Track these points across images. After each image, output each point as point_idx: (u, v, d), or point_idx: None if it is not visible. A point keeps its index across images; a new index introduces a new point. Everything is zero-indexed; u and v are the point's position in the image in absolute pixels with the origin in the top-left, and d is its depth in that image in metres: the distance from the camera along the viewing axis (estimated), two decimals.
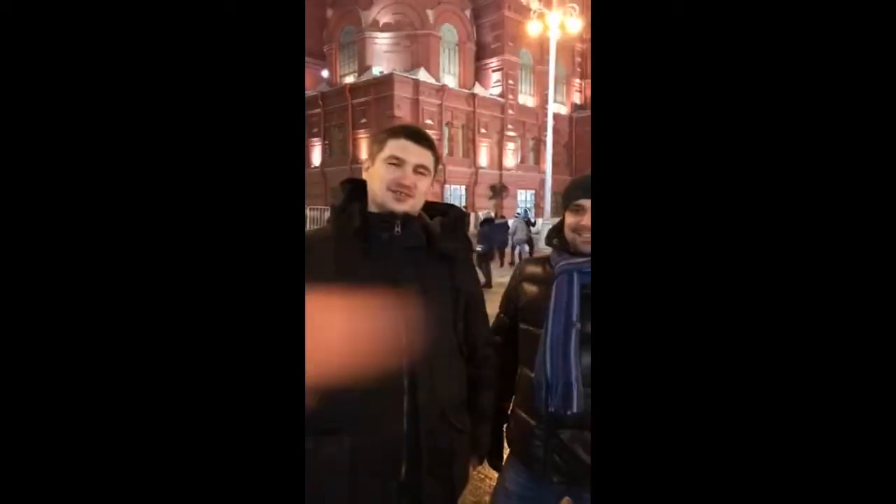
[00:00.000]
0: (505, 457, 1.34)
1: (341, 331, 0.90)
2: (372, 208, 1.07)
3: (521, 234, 11.85)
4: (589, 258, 1.12)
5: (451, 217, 1.13)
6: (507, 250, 11.99)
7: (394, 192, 1.02)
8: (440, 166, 1.16)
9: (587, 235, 1.12)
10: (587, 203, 1.12)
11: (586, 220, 1.12)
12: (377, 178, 1.05)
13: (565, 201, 1.19)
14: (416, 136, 1.07)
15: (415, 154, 1.05)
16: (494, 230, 11.28)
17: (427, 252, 1.05)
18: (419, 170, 1.05)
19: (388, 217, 1.03)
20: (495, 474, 2.42)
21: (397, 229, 1.03)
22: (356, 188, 1.09)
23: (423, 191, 1.07)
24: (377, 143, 1.07)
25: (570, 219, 1.16)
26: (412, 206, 1.05)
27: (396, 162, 1.03)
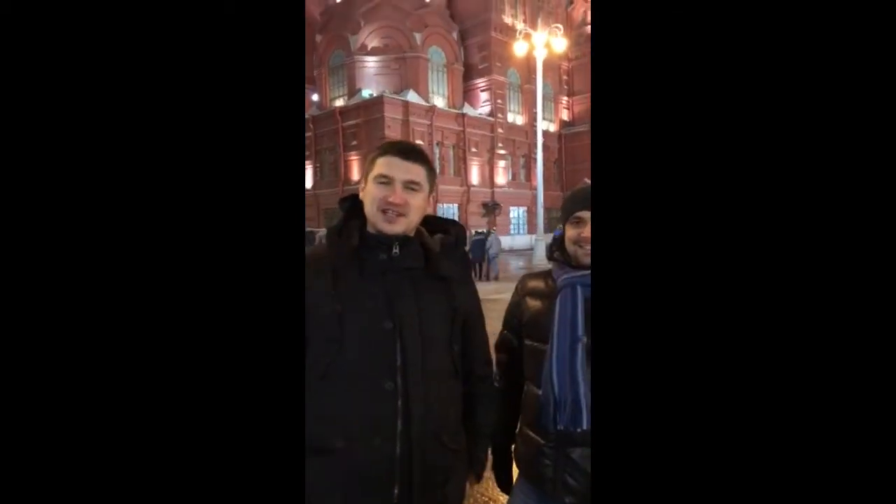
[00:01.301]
0: (514, 477, 1.31)
1: None
2: (370, 229, 1.04)
3: (495, 249, 13.06)
4: (590, 271, 1.10)
5: (452, 235, 1.11)
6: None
7: (384, 211, 1.00)
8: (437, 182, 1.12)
9: (588, 247, 1.11)
10: (586, 215, 1.12)
11: (587, 231, 1.11)
12: (369, 199, 1.02)
13: (564, 214, 1.18)
14: (404, 151, 1.04)
15: (402, 170, 1.01)
16: (472, 245, 12.34)
17: (425, 273, 1.03)
18: (410, 186, 1.02)
19: (386, 239, 1.01)
20: (500, 496, 2.38)
21: (395, 250, 1.01)
22: (354, 206, 1.07)
23: (418, 207, 1.03)
24: (369, 162, 1.05)
25: (570, 231, 1.15)
26: (406, 225, 1.02)
27: (385, 180, 1.01)
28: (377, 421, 0.95)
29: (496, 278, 12.79)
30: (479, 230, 16.02)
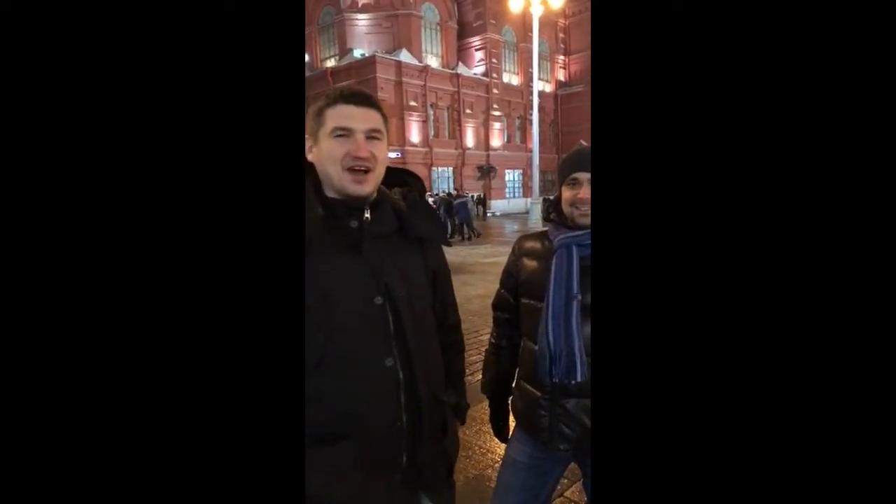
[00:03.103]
0: (511, 428, 1.38)
1: None
2: (330, 193, 0.93)
3: (474, 210, 14.32)
4: (587, 231, 1.13)
5: (413, 188, 1.04)
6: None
7: (352, 170, 0.90)
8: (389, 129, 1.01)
9: (585, 208, 1.13)
10: (583, 176, 1.14)
11: (583, 193, 1.13)
12: (327, 158, 0.90)
13: (561, 176, 1.20)
14: (358, 97, 0.93)
15: (361, 119, 0.91)
16: (458, 208, 12.92)
17: (400, 236, 0.97)
18: (372, 135, 0.92)
19: (356, 203, 0.92)
20: (497, 447, 2.50)
21: (367, 216, 0.93)
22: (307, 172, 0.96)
23: (383, 159, 0.94)
24: (315, 116, 0.93)
25: (566, 193, 1.18)
26: (375, 182, 0.93)
27: (344, 132, 0.90)
28: (382, 399, 0.92)
29: (478, 235, 13.83)
30: (462, 193, 16.39)
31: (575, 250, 1.13)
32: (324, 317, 0.87)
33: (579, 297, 1.10)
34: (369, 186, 0.92)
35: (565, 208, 1.19)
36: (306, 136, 0.95)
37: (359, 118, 0.91)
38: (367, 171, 0.90)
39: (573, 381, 1.10)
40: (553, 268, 1.14)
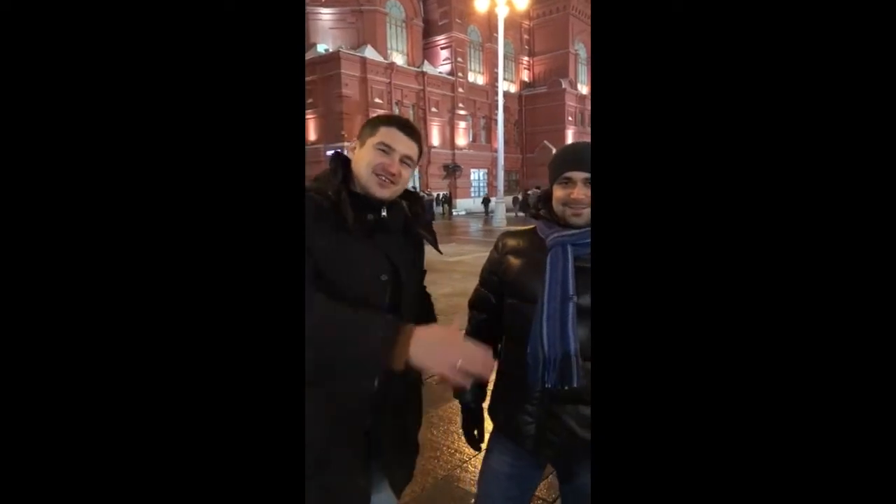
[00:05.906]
0: (487, 435, 1.32)
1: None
2: (355, 188, 1.09)
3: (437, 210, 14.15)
4: (581, 230, 1.09)
5: (416, 203, 1.22)
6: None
7: (378, 176, 1.06)
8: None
9: (578, 208, 1.08)
10: (577, 175, 1.09)
11: (576, 192, 1.08)
12: (364, 162, 1.08)
13: (553, 173, 1.15)
14: (408, 128, 1.12)
15: (403, 144, 1.09)
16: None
17: (403, 234, 1.14)
18: (405, 160, 1.10)
19: (376, 202, 1.08)
20: (465, 448, 2.46)
21: (384, 213, 1.09)
22: (344, 164, 1.12)
23: (406, 180, 1.12)
24: (370, 127, 1.11)
25: (558, 192, 1.12)
26: (393, 193, 1.09)
27: (385, 149, 1.07)
28: (364, 361, 0.98)
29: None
30: (427, 192, 16.44)
31: (570, 250, 1.08)
32: (334, 277, 0.98)
33: (575, 298, 1.05)
34: (387, 193, 1.08)
35: (557, 207, 1.13)
36: (356, 138, 1.14)
37: (402, 143, 1.08)
38: (391, 183, 1.07)
39: (567, 387, 1.05)
40: (548, 268, 1.08)
